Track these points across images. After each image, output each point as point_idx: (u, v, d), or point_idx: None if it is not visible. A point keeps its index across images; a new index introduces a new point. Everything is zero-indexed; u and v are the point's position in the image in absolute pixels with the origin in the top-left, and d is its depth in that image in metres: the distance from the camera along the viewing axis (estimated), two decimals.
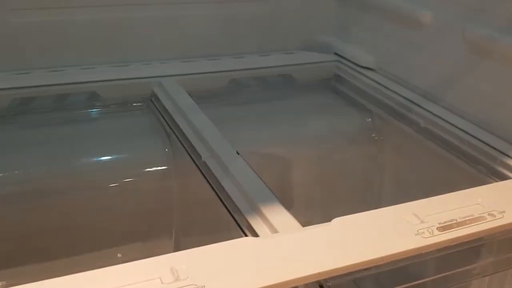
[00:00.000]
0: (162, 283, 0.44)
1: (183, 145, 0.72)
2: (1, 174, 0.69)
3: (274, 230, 0.53)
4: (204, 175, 0.66)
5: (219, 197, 0.61)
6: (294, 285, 0.47)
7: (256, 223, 0.55)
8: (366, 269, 0.49)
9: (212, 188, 0.63)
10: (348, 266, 0.48)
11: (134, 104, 0.84)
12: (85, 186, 0.74)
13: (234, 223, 0.57)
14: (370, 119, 0.88)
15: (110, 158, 0.77)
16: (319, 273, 0.47)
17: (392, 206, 0.56)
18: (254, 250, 0.49)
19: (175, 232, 0.76)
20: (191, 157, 0.70)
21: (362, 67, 0.96)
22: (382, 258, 0.49)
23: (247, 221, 0.56)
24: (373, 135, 0.88)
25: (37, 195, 0.71)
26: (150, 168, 0.77)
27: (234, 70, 0.92)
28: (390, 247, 0.50)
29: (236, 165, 0.64)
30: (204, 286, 0.44)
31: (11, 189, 0.69)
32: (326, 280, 0.48)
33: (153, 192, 0.75)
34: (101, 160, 0.77)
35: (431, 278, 0.53)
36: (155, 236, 0.74)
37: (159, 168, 0.77)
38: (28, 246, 0.68)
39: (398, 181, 0.85)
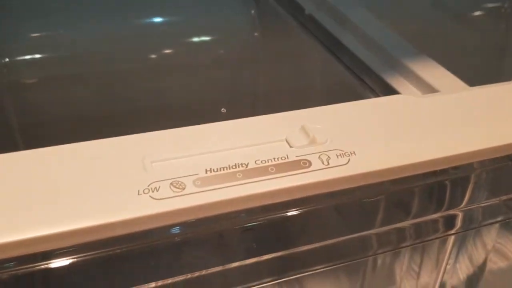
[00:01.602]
0: (290, 146, 0.30)
1: (275, 0, 0.57)
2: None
3: (431, 90, 0.38)
4: (311, 32, 0.50)
5: (337, 56, 0.47)
6: (476, 160, 0.33)
7: (400, 84, 0.40)
8: None
9: (325, 47, 0.48)
10: None
11: None
12: (152, 51, 0.60)
13: (365, 87, 0.42)
14: None
15: (180, 21, 0.63)
16: None
17: None
18: (415, 111, 0.34)
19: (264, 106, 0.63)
20: (289, 14, 0.55)
21: None
22: None
23: (384, 82, 0.41)
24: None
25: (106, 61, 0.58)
26: (232, 34, 0.62)
27: None
28: None
29: (357, 15, 0.48)
30: (353, 153, 0.30)
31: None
32: None
33: (236, 62, 0.61)
34: (170, 21, 0.62)
35: None
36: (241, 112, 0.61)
37: (243, 35, 0.62)
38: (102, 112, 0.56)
39: None
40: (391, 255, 0.41)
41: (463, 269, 0.44)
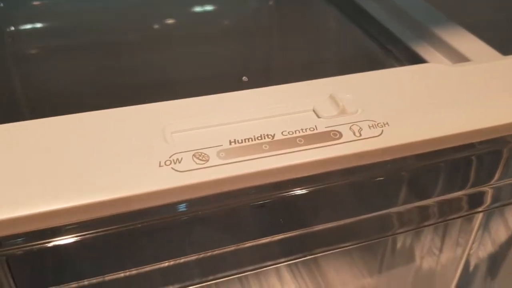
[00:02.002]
0: (318, 117, 0.29)
1: None
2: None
3: (461, 59, 0.36)
4: (332, 2, 0.48)
5: (358, 24, 0.44)
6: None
7: (429, 53, 0.38)
8: None
9: (345, 14, 0.46)
10: None
11: None
12: (161, 19, 0.58)
13: (390, 56, 0.40)
14: None
15: None
16: None
17: None
18: (447, 80, 0.32)
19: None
20: None
21: None
22: None
23: (411, 51, 0.39)
24: None
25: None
26: (247, 2, 0.59)
27: None
28: None
29: None
30: (387, 124, 0.28)
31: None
32: None
33: (252, 31, 0.59)
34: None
35: None
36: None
37: (258, 3, 0.59)
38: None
39: None
40: (416, 232, 0.39)
41: (488, 248, 0.42)
